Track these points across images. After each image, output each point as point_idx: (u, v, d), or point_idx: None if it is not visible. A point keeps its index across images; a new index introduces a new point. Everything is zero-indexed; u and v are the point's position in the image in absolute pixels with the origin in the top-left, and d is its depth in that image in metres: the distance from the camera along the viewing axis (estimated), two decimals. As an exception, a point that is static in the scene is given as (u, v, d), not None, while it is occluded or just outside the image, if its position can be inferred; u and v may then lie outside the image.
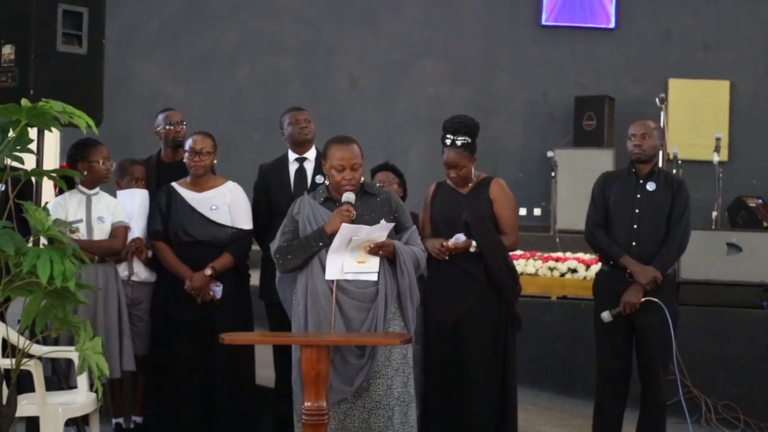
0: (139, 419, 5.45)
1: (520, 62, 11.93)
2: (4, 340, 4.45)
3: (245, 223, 5.26)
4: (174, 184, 5.29)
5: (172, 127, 5.60)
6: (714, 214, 9.04)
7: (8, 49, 4.93)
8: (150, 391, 5.39)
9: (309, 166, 5.44)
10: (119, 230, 5.15)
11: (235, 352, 4.98)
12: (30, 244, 3.59)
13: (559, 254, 7.24)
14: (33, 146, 3.70)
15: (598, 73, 11.82)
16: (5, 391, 3.61)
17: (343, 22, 11.91)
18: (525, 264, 6.97)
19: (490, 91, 11.89)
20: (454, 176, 4.93)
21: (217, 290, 5.14)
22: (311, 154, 5.46)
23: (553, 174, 10.23)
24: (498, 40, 11.95)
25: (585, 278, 6.73)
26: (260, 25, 11.81)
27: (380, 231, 4.30)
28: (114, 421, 5.41)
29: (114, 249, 5.12)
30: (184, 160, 5.26)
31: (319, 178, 5.15)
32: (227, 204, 5.23)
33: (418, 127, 11.58)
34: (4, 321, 4.42)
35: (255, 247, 5.39)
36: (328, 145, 4.46)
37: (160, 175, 5.55)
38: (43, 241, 3.71)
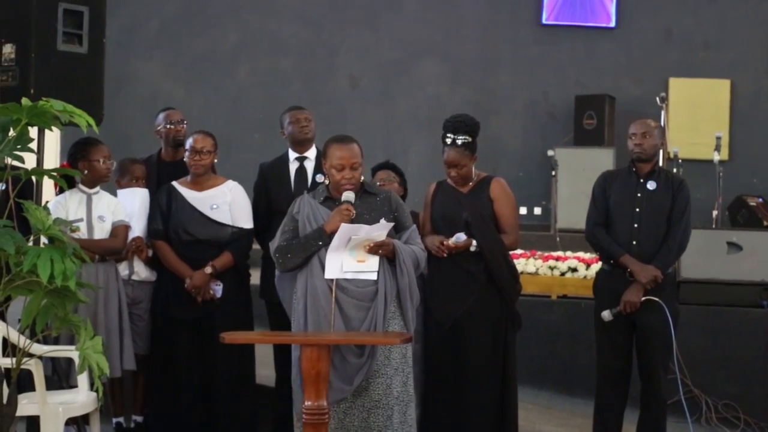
0: (139, 418, 5.44)
1: (521, 61, 11.91)
2: (5, 340, 4.45)
3: (245, 222, 5.26)
4: (174, 183, 5.29)
5: (172, 126, 5.60)
6: (714, 213, 9.02)
7: (9, 48, 4.93)
8: (150, 390, 5.38)
9: (309, 166, 5.43)
10: (120, 229, 5.14)
11: (235, 351, 4.97)
12: (30, 243, 3.60)
13: (560, 253, 7.24)
14: (33, 145, 3.71)
15: (598, 72, 11.80)
16: (6, 391, 3.61)
17: (344, 22, 11.90)
18: (525, 263, 6.96)
19: (491, 91, 11.87)
20: (454, 175, 4.92)
21: (218, 289, 5.14)
22: (311, 153, 5.46)
23: (553, 173, 10.23)
24: (498, 39, 11.93)
25: (585, 277, 6.72)
26: (260, 25, 11.81)
27: (380, 230, 4.29)
28: (114, 420, 5.41)
29: (114, 248, 5.12)
30: (184, 159, 5.25)
31: (320, 178, 5.14)
32: (228, 203, 5.22)
33: (418, 126, 11.57)
34: (4, 320, 4.42)
35: (255, 246, 5.39)
36: (328, 144, 4.46)
37: (160, 174, 5.55)
38: (43, 240, 3.71)
